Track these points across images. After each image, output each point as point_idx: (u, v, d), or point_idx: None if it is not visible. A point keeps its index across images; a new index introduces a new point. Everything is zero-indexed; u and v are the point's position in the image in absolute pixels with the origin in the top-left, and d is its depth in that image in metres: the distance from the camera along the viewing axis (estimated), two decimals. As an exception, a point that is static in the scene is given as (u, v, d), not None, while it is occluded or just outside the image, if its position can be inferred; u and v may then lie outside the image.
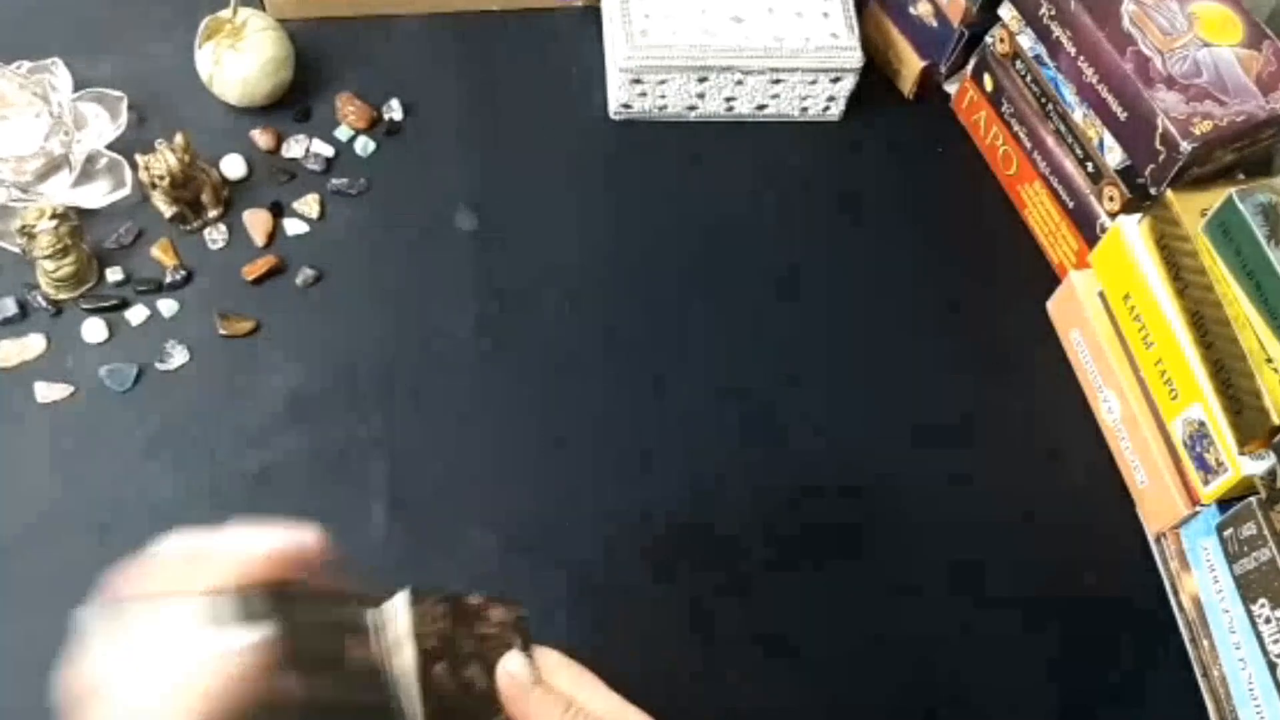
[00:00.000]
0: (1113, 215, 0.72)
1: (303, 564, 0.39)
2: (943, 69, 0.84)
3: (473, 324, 0.73)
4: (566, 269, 0.76)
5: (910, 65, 0.85)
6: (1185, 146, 0.64)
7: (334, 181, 0.77)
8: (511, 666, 0.42)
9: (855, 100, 0.84)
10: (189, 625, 0.35)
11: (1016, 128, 0.79)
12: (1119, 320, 0.71)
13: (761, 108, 0.83)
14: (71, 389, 0.67)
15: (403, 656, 0.39)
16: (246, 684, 0.34)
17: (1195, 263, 0.64)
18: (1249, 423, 0.61)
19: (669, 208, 0.80)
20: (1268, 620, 0.58)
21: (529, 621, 0.44)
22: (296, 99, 0.80)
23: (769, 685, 0.63)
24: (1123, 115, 0.68)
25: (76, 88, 0.76)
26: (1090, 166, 0.73)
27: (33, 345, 0.69)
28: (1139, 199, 0.70)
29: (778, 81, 0.81)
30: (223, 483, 0.65)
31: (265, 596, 0.37)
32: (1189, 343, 0.65)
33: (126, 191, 0.73)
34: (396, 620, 0.40)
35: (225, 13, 0.77)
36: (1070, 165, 0.75)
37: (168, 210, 0.73)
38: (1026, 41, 0.76)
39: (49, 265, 0.68)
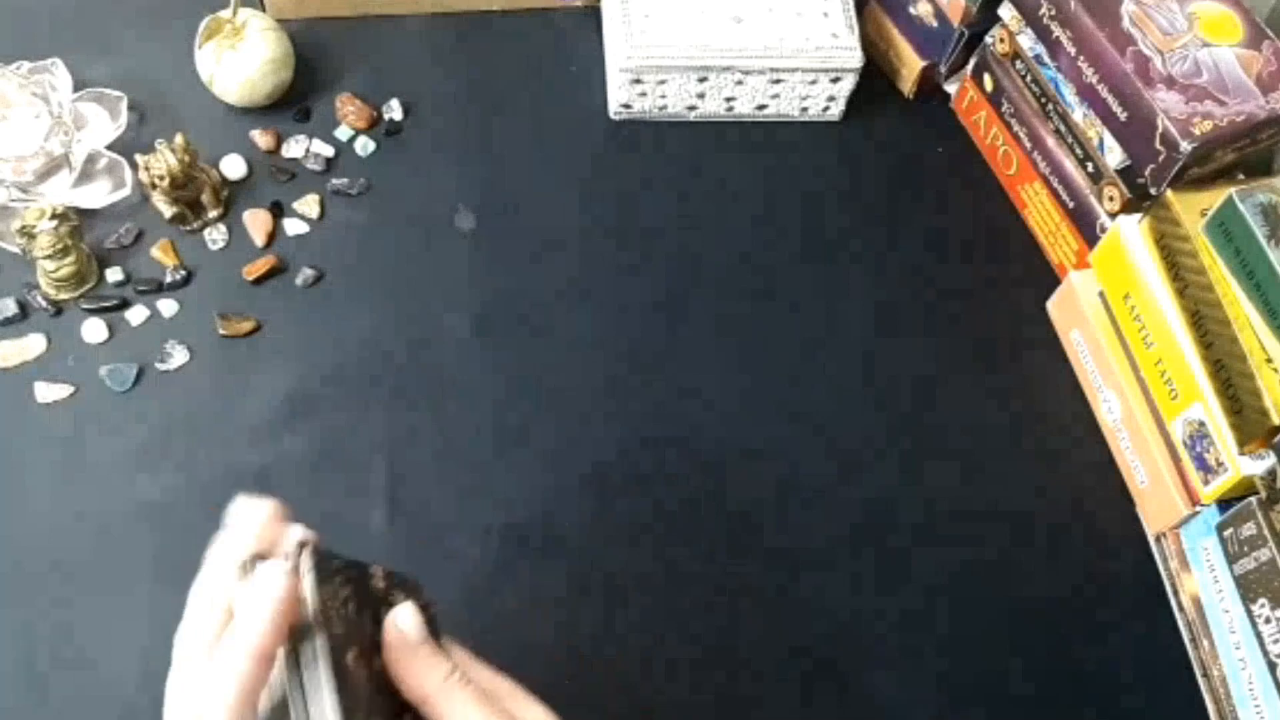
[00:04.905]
0: (1113, 215, 0.72)
1: None
2: (943, 69, 0.84)
3: (472, 324, 0.73)
4: (566, 269, 0.76)
5: (910, 65, 0.85)
6: (1185, 146, 0.64)
7: (334, 181, 0.77)
8: (402, 621, 0.38)
9: (855, 100, 0.84)
10: None
11: (1016, 128, 0.79)
12: (1119, 320, 0.71)
13: (761, 108, 0.83)
14: (71, 389, 0.67)
15: (311, 643, 0.35)
16: None
17: (1195, 263, 0.64)
18: (1249, 423, 0.61)
19: (669, 207, 0.80)
20: (1268, 620, 0.58)
21: (436, 609, 0.40)
22: (296, 99, 0.80)
23: (772, 689, 0.63)
24: (1123, 115, 0.68)
25: (76, 88, 0.76)
26: (1090, 166, 0.73)
27: (33, 345, 0.69)
28: (1139, 199, 0.70)
29: (778, 81, 0.81)
30: (222, 483, 0.65)
31: None
32: (1189, 343, 0.65)
33: (126, 192, 0.73)
34: (303, 595, 0.36)
35: (225, 13, 0.77)
36: (1070, 165, 0.75)
37: (168, 210, 0.73)
38: (1026, 41, 0.76)
39: (49, 265, 0.68)
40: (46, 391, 0.67)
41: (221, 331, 0.70)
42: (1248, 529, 0.60)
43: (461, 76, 0.84)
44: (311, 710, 0.35)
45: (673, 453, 0.70)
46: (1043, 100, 0.76)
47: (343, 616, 0.37)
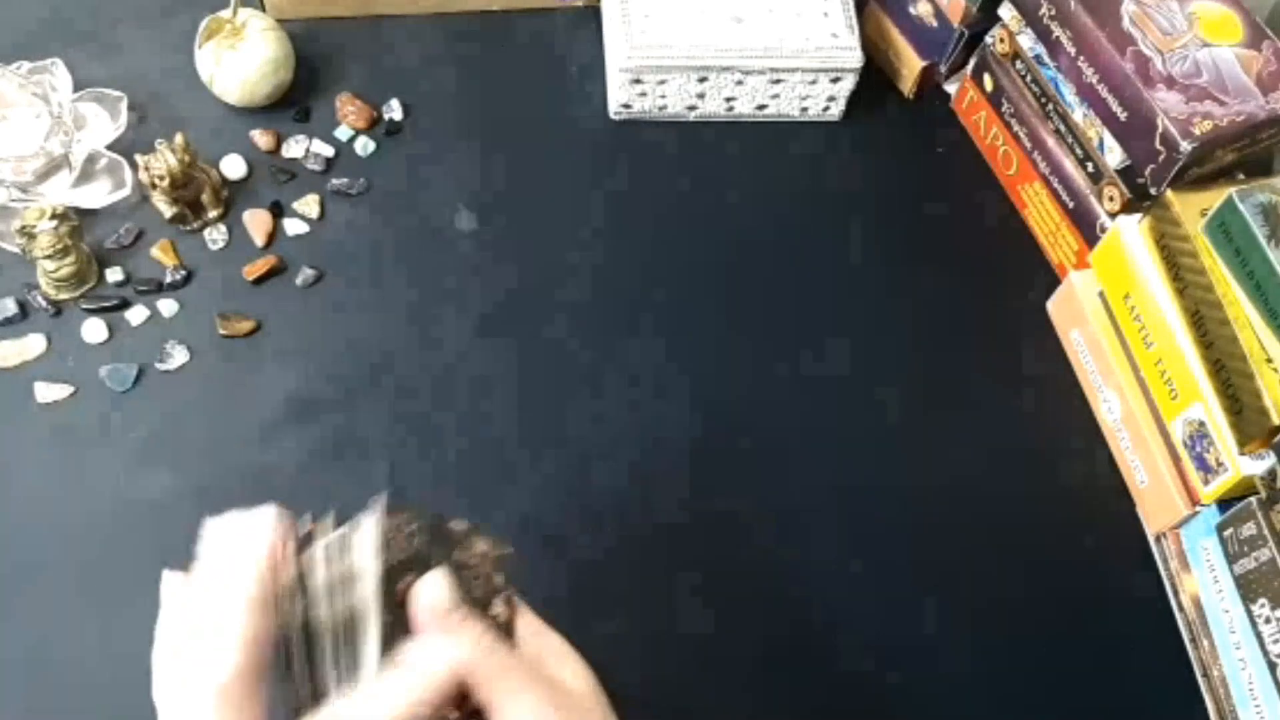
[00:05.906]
0: (1113, 215, 0.72)
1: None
2: (943, 69, 0.84)
3: (472, 324, 0.73)
4: (566, 269, 0.76)
5: (910, 65, 0.85)
6: (1185, 146, 0.64)
7: (334, 181, 0.77)
8: (426, 593, 0.38)
9: (855, 100, 0.84)
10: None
11: (1016, 128, 0.79)
12: (1119, 320, 0.71)
13: (761, 108, 0.83)
14: (71, 389, 0.67)
15: (364, 565, 0.37)
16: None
17: (1195, 263, 0.64)
18: (1249, 423, 0.61)
19: (669, 208, 0.80)
20: (1268, 620, 0.58)
21: (512, 560, 0.42)
22: (296, 99, 0.80)
23: (771, 689, 0.63)
24: (1123, 115, 0.68)
25: (76, 88, 0.76)
26: (1090, 166, 0.73)
27: (33, 345, 0.69)
28: (1139, 199, 0.70)
29: (778, 81, 0.81)
30: (223, 483, 0.65)
31: None
32: (1189, 343, 0.65)
33: (126, 192, 0.73)
34: (362, 529, 0.38)
35: (225, 13, 0.77)
36: (1070, 165, 0.75)
37: (168, 210, 0.73)
38: (1026, 41, 0.76)
39: (49, 265, 0.68)
40: (46, 391, 0.67)
41: (221, 331, 0.70)
42: (1248, 529, 0.60)
43: (461, 76, 0.84)
44: (358, 629, 0.37)
45: (673, 453, 0.70)
46: (1043, 100, 0.76)
47: (405, 547, 0.39)
